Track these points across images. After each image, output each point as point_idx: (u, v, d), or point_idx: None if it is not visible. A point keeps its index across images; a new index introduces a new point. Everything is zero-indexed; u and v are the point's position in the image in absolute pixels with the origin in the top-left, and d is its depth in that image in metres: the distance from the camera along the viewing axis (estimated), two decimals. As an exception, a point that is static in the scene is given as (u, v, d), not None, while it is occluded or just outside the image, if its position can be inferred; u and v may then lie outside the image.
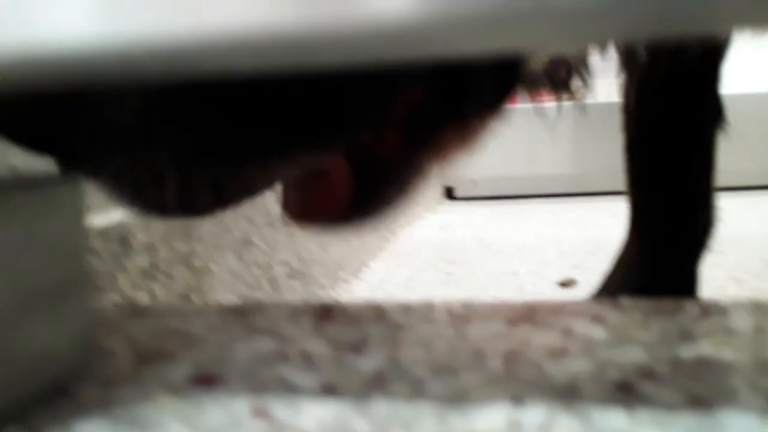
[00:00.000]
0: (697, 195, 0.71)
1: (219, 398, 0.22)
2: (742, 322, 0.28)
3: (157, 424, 0.20)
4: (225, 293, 0.71)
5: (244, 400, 0.22)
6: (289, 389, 0.22)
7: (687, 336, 0.26)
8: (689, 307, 0.31)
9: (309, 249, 0.97)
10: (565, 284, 0.98)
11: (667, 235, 0.70)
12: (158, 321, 0.30)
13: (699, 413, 0.19)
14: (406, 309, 0.31)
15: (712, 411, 0.19)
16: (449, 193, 2.06)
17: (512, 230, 1.51)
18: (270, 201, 0.86)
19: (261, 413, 0.21)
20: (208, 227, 0.70)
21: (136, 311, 0.32)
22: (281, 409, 0.21)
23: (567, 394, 0.21)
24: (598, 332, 0.27)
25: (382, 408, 0.20)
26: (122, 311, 0.32)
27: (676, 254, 0.71)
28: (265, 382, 0.23)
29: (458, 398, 0.21)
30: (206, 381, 0.23)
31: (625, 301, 0.32)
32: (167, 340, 0.28)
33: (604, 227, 1.48)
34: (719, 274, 0.94)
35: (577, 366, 0.23)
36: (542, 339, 0.26)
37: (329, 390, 0.22)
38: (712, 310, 0.30)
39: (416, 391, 0.22)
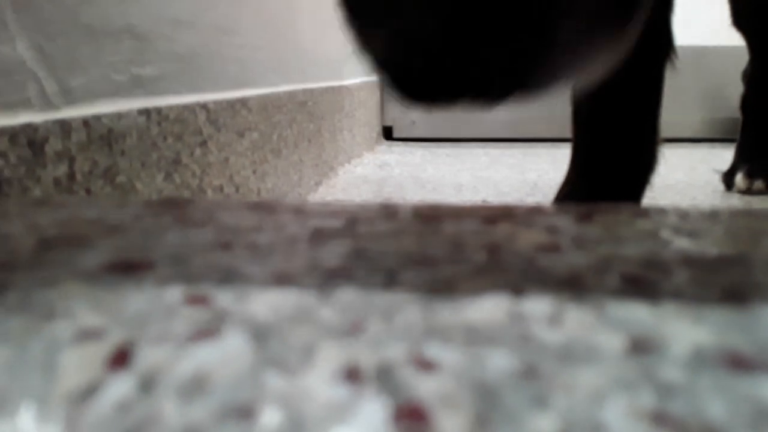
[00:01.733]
0: (642, 128, 0.69)
1: (143, 285, 0.17)
2: (736, 225, 0.25)
3: (61, 311, 0.16)
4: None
5: (177, 287, 0.17)
6: (235, 277, 0.18)
7: (686, 234, 0.23)
8: (673, 211, 0.28)
9: (244, 176, 0.92)
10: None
11: (612, 168, 0.69)
12: (69, 210, 0.25)
13: (732, 306, 0.16)
14: (363, 207, 0.27)
15: (746, 304, 0.16)
16: (387, 133, 2.02)
17: (449, 171, 1.49)
18: (201, 119, 0.80)
19: (198, 300, 0.16)
20: (132, 141, 0.64)
21: (42, 201, 0.27)
22: (224, 296, 0.17)
23: (570, 285, 0.18)
24: (587, 230, 0.24)
25: (351, 297, 0.16)
26: (26, 201, 0.26)
27: (619, 190, 0.69)
28: (203, 269, 0.19)
29: (443, 288, 0.17)
30: (128, 268, 0.19)
31: (605, 204, 0.29)
32: (79, 227, 0.23)
33: (542, 171, 1.48)
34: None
35: (574, 259, 0.20)
36: (528, 235, 0.23)
37: (284, 279, 0.18)
38: (697, 213, 0.27)
39: (390, 280, 0.18)
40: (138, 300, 0.16)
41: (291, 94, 1.12)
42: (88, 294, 0.17)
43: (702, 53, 1.96)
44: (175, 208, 0.26)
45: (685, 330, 0.15)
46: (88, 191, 0.58)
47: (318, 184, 1.30)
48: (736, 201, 1.16)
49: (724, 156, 1.45)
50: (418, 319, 0.15)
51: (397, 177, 1.40)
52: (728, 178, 1.27)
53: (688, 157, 1.70)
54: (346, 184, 1.32)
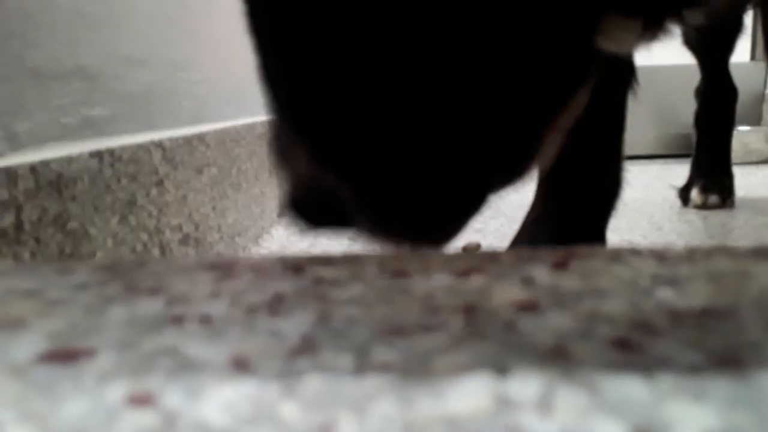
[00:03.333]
0: (607, 156, 0.70)
1: (82, 381, 0.15)
2: (716, 267, 0.24)
3: (-17, 424, 0.13)
4: (109, 260, 0.63)
5: (120, 382, 0.15)
6: (185, 365, 0.16)
7: (666, 282, 0.22)
8: (648, 253, 0.27)
9: (204, 213, 0.89)
10: (469, 249, 0.95)
11: (578, 196, 0.69)
12: (6, 282, 0.23)
13: (730, 375, 0.15)
14: (328, 261, 0.25)
15: (744, 372, 0.15)
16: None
17: (414, 196, 1.48)
18: (157, 158, 0.77)
19: (143, 400, 0.14)
20: (84, 185, 0.61)
21: (-25, 272, 0.24)
22: (173, 393, 0.15)
23: (556, 357, 0.16)
24: (564, 281, 0.22)
25: (317, 385, 0.15)
26: (-43, 272, 0.24)
27: (586, 215, 0.69)
28: (149, 356, 0.17)
29: (420, 369, 0.16)
30: (65, 357, 0.17)
31: (579, 248, 0.27)
32: (14, 304, 0.21)
33: (504, 192, 1.48)
34: (614, 237, 0.96)
35: (556, 321, 0.19)
36: (504, 292, 0.21)
37: (241, 364, 0.16)
38: (674, 255, 0.26)
39: (361, 361, 0.16)
40: (75, 403, 0.14)
41: (250, 127, 1.10)
42: (19, 398, 0.15)
43: (654, 72, 2.00)
44: (123, 273, 0.24)
45: (687, 411, 0.13)
46: (37, 240, 0.55)
47: (281, 215, 1.28)
48: (692, 216, 1.17)
49: (678, 172, 1.47)
50: (395, 413, 0.14)
51: (361, 206, 1.39)
52: (684, 194, 1.29)
53: (644, 174, 1.72)
54: (309, 215, 1.30)
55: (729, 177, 1.27)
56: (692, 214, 1.20)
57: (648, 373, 0.15)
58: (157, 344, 0.17)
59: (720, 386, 0.15)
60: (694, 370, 0.15)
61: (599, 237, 0.69)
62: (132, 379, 0.15)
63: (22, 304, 0.21)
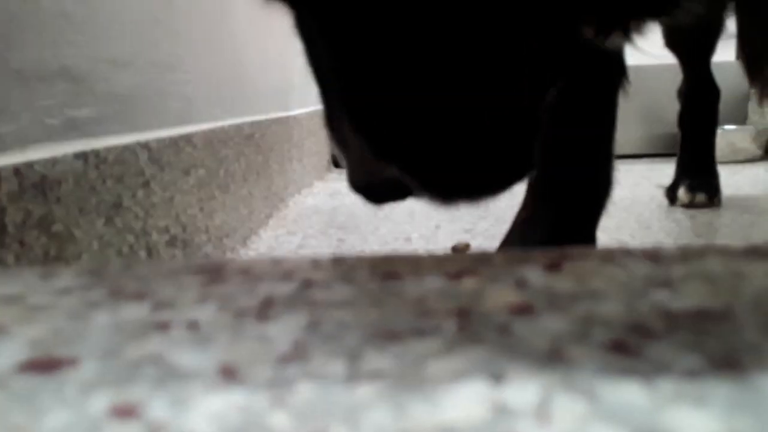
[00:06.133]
0: (598, 155, 0.69)
1: (63, 392, 0.15)
2: (710, 268, 0.24)
3: (-41, 438, 0.13)
4: (93, 264, 0.62)
5: (103, 392, 0.15)
6: (170, 374, 0.16)
7: (661, 283, 0.22)
8: (641, 253, 0.27)
9: (191, 215, 0.88)
10: (458, 249, 0.95)
11: (568, 196, 0.68)
12: (-15, 288, 0.22)
13: (730, 379, 0.15)
14: (316, 265, 0.25)
15: (744, 375, 0.15)
16: (336, 161, 2.01)
17: (402, 196, 1.48)
18: (143, 159, 0.77)
19: (127, 412, 0.14)
20: (69, 187, 0.60)
21: (-45, 277, 0.24)
22: (158, 404, 0.14)
23: (553, 361, 0.16)
24: (558, 282, 0.22)
25: (308, 394, 0.14)
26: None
27: (576, 216, 0.69)
28: (133, 364, 0.16)
29: (414, 375, 0.15)
30: (46, 367, 0.16)
31: (572, 249, 0.27)
32: (-6, 312, 0.20)
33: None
34: (603, 237, 0.96)
35: (551, 324, 0.18)
36: (498, 294, 0.21)
37: (229, 372, 0.16)
38: (667, 255, 0.26)
39: (353, 367, 0.16)
40: (57, 415, 0.14)
41: (237, 128, 1.10)
42: (-3, 410, 0.14)
43: (639, 72, 2.01)
44: (107, 278, 0.23)
45: (687, 417, 0.13)
46: (21, 243, 0.54)
47: (269, 216, 1.27)
48: (680, 215, 1.18)
49: (665, 171, 1.48)
50: (388, 423, 0.13)
51: (349, 206, 1.38)
52: (671, 193, 1.29)
53: (631, 173, 1.73)
54: (298, 216, 1.30)
55: (715, 176, 1.27)
56: (680, 213, 1.21)
57: (646, 377, 0.15)
58: (142, 352, 0.17)
59: (720, 390, 0.14)
60: (693, 374, 0.15)
61: (589, 237, 0.69)
62: (115, 389, 0.15)
63: (4, 311, 0.20)
